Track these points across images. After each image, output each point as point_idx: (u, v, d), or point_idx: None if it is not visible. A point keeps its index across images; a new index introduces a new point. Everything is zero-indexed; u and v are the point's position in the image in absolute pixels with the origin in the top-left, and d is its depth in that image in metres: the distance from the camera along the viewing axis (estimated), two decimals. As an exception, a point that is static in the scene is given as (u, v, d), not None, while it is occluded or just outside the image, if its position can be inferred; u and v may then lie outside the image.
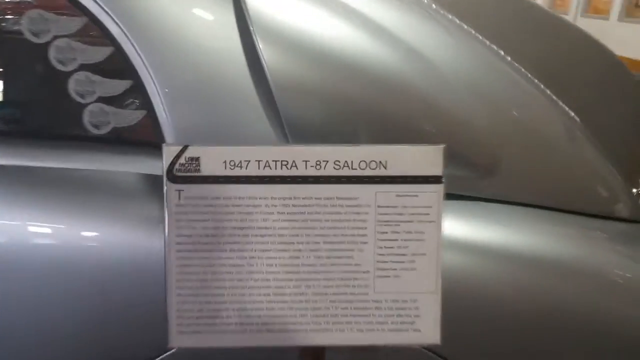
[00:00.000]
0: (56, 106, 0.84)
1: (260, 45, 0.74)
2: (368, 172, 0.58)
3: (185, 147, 0.58)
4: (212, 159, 0.58)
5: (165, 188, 0.58)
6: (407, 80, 0.78)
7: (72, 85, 0.80)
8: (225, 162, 0.58)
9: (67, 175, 0.80)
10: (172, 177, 0.58)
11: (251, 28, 0.75)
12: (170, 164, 0.58)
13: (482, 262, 0.71)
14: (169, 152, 0.58)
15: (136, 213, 0.75)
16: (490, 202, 0.80)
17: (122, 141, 0.83)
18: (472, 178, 0.79)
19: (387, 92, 0.77)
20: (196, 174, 0.58)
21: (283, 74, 0.76)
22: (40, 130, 0.87)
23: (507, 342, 0.72)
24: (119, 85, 0.81)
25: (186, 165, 0.58)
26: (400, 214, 0.59)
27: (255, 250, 0.60)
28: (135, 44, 0.76)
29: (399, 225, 0.59)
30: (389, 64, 0.77)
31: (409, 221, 0.59)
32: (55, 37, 0.79)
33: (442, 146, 0.58)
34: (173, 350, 0.67)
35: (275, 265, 0.60)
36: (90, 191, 0.78)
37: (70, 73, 0.80)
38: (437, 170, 0.58)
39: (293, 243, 0.60)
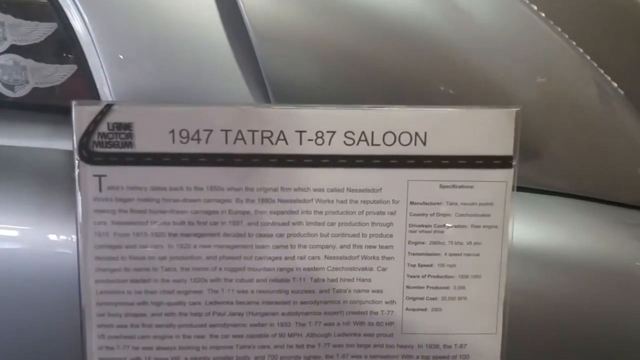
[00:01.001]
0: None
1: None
2: (397, 150, 0.37)
3: (108, 107, 0.36)
4: (153, 127, 0.37)
5: (76, 172, 0.37)
6: (429, 29, 0.57)
7: (-26, 29, 0.58)
8: (172, 131, 0.37)
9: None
10: (88, 155, 0.37)
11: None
12: (85, 134, 0.36)
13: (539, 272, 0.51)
14: (81, 113, 0.36)
15: (63, 204, 0.53)
16: (525, 191, 0.61)
17: (44, 107, 0.60)
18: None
19: (403, 43, 0.56)
20: (127, 149, 0.37)
21: (265, 17, 0.54)
22: None
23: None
24: (38, 29, 0.58)
25: (110, 136, 0.37)
26: (445, 215, 0.38)
27: (220, 269, 0.39)
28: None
29: (443, 232, 0.38)
30: (405, 4, 0.56)
31: (457, 226, 0.38)
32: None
33: (515, 109, 0.37)
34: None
35: (252, 291, 0.39)
36: (2, 174, 0.56)
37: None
38: (505, 147, 0.37)
39: (279, 258, 0.39)
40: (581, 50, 0.70)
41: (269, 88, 0.55)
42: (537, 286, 0.51)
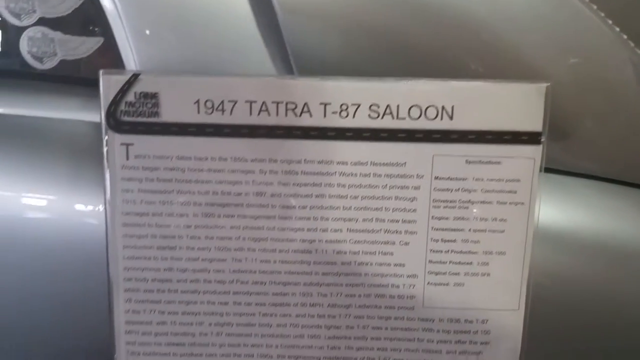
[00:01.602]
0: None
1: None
2: (423, 124, 0.37)
3: (135, 76, 0.37)
4: (178, 97, 0.37)
5: (105, 140, 0.37)
6: (459, 2, 0.55)
7: (3, 2, 0.59)
8: (198, 102, 0.37)
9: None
10: (116, 124, 0.37)
11: None
12: (112, 102, 0.37)
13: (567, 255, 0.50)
14: (109, 83, 0.37)
15: (91, 175, 0.54)
16: (556, 173, 0.59)
17: (72, 79, 0.61)
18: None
19: (431, 17, 0.55)
20: (153, 119, 0.37)
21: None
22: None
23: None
24: (66, 2, 0.59)
25: (137, 105, 0.37)
26: (470, 191, 0.38)
27: (244, 239, 0.39)
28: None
29: (467, 208, 0.38)
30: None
31: (483, 202, 0.38)
32: None
33: (545, 84, 0.36)
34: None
35: (274, 261, 0.39)
36: (32, 145, 0.57)
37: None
38: (534, 123, 0.37)
39: (302, 230, 0.39)
40: (617, 30, 0.67)
41: (293, 62, 0.54)
42: (562, 267, 0.51)
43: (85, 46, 0.59)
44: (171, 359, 0.41)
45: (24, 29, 0.59)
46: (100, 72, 0.36)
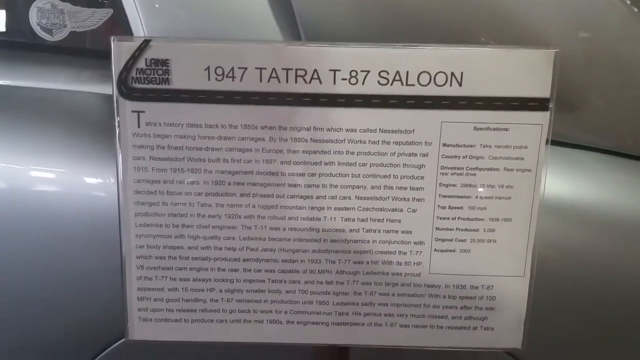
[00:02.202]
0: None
1: None
2: (432, 90, 0.37)
3: (146, 43, 0.37)
4: (189, 63, 0.37)
5: (115, 107, 0.38)
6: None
7: (12, -28, 0.59)
8: (208, 68, 0.37)
9: (9, 96, 0.60)
10: (127, 91, 0.38)
11: None
12: (124, 69, 0.37)
13: (574, 227, 0.51)
14: (120, 50, 0.37)
15: (100, 146, 0.55)
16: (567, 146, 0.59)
17: (82, 51, 0.61)
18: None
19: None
20: (164, 86, 0.38)
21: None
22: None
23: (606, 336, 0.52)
24: (75, -28, 0.59)
25: (148, 72, 0.37)
26: (478, 158, 0.38)
27: (254, 207, 0.40)
28: None
29: (475, 175, 0.38)
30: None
31: (490, 169, 0.38)
32: None
33: (554, 50, 0.36)
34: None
35: (283, 228, 0.40)
36: (42, 117, 0.58)
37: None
38: (542, 89, 0.37)
39: (311, 197, 0.39)
40: (629, 3, 0.66)
41: (302, 31, 0.54)
42: (569, 238, 0.51)
43: (94, 17, 0.59)
44: (182, 324, 0.42)
45: (33, 0, 0.59)
46: (112, 38, 0.37)
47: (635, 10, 0.66)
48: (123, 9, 0.56)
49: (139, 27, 0.56)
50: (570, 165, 0.56)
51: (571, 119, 0.60)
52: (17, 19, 0.62)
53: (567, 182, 0.53)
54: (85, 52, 0.61)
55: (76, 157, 0.55)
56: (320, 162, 0.39)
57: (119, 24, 0.57)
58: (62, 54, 0.62)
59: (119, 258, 0.41)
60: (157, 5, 0.56)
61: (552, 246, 0.51)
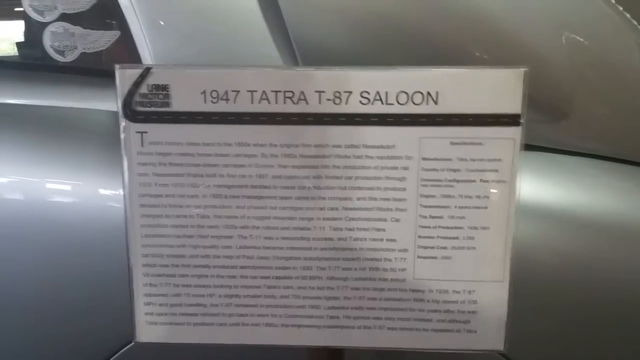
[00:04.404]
0: (8, 27, 0.67)
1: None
2: (410, 109, 0.40)
3: (147, 70, 0.40)
4: (187, 88, 0.41)
5: (121, 128, 0.41)
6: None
7: (27, 0, 0.63)
8: (204, 92, 0.41)
9: (25, 114, 0.64)
10: (131, 114, 0.41)
11: None
12: (128, 94, 0.41)
13: (558, 231, 0.53)
14: (124, 76, 0.41)
15: (109, 160, 0.58)
16: (557, 153, 0.61)
17: (92, 71, 0.65)
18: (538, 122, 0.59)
19: (431, 4, 0.57)
20: (164, 109, 0.41)
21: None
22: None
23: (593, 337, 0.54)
24: (85, -2, 0.63)
25: (150, 96, 0.41)
26: (455, 170, 0.41)
27: (248, 218, 0.43)
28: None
29: (453, 186, 0.41)
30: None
31: (467, 180, 0.41)
32: None
33: (523, 69, 0.39)
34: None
35: (277, 238, 0.43)
36: (54, 133, 0.62)
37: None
38: (514, 105, 0.39)
39: (301, 209, 0.42)
40: (621, 9, 0.68)
41: (297, 51, 0.57)
42: (555, 242, 0.53)
43: (103, 39, 0.63)
44: (185, 327, 0.45)
45: (46, 24, 0.63)
46: (116, 66, 0.40)
47: (635, 23, 0.68)
48: (129, 30, 0.60)
49: (145, 47, 0.60)
50: (566, 171, 0.58)
51: (565, 126, 0.62)
52: (32, 42, 0.66)
53: (562, 188, 0.56)
54: (95, 72, 0.65)
55: (88, 169, 0.58)
56: (309, 176, 0.42)
57: (126, 44, 0.61)
58: (74, 73, 0.66)
59: (127, 266, 0.45)
60: (161, 25, 0.60)
61: (548, 250, 0.53)
